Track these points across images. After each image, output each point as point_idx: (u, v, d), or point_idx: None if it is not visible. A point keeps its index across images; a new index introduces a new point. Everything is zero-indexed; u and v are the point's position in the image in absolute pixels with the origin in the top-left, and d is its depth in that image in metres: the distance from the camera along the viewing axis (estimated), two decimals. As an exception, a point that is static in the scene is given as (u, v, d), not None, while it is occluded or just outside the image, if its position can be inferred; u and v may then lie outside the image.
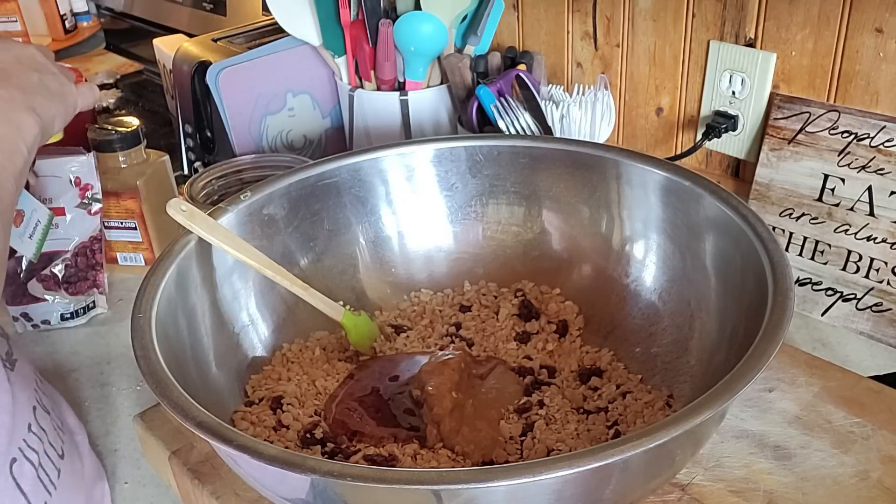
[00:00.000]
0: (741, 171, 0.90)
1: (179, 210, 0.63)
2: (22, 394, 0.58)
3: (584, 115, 0.86)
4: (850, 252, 0.78)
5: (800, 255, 0.81)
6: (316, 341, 0.73)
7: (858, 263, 0.77)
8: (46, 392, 0.65)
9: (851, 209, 0.77)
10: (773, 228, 0.83)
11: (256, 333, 0.70)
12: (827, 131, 0.78)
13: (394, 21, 0.95)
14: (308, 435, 0.62)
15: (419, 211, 0.79)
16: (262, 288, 0.71)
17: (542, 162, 0.76)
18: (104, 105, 1.44)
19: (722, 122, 0.86)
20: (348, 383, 0.68)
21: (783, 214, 0.82)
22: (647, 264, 0.72)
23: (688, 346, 0.66)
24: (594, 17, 0.96)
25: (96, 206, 0.85)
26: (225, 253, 0.66)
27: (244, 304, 0.70)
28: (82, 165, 0.84)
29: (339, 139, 1.12)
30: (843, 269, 0.78)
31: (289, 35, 1.01)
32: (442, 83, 1.00)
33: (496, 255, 0.80)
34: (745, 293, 0.59)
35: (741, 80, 0.84)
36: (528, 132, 0.86)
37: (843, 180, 0.77)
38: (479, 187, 0.79)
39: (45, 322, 0.87)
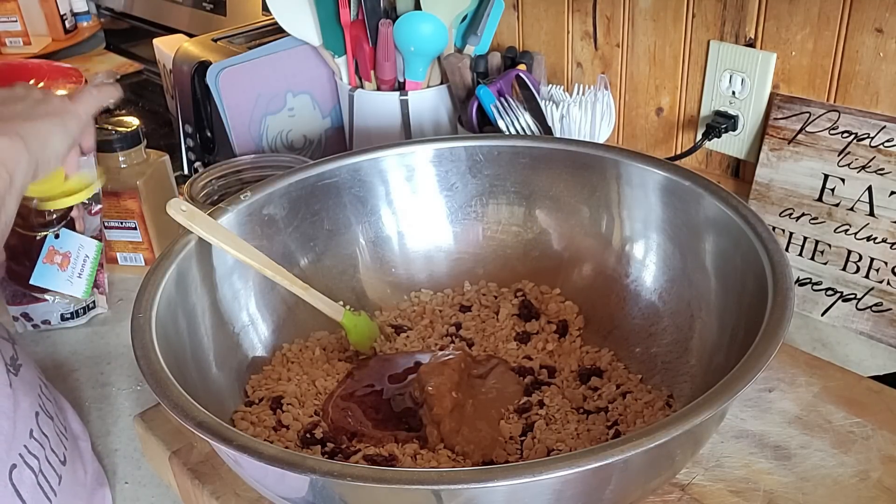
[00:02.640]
0: (741, 171, 0.90)
1: (179, 210, 0.63)
2: (25, 399, 0.57)
3: (584, 115, 0.86)
4: (850, 252, 0.78)
5: (800, 255, 0.81)
6: (316, 341, 0.73)
7: (858, 263, 0.77)
8: (51, 397, 0.64)
9: (851, 209, 0.77)
10: (773, 228, 0.83)
11: (256, 333, 0.70)
12: (827, 131, 0.78)
13: (394, 21, 0.95)
14: (308, 435, 0.62)
15: (419, 211, 0.79)
16: (262, 288, 0.71)
17: (542, 162, 0.76)
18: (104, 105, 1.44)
19: (722, 122, 0.86)
20: (347, 382, 0.68)
21: (783, 214, 0.82)
22: (647, 264, 0.72)
23: (688, 346, 0.66)
24: (594, 17, 0.96)
25: (96, 206, 0.85)
26: (225, 253, 0.66)
27: (244, 304, 0.70)
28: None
29: (339, 139, 1.12)
30: (843, 269, 0.78)
31: (289, 35, 1.01)
32: (442, 83, 1.00)
33: (496, 255, 0.80)
34: (745, 293, 0.59)
35: (741, 80, 0.84)
36: (528, 132, 0.86)
37: (843, 180, 0.77)
38: (479, 187, 0.79)
39: (46, 322, 0.87)
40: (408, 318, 0.77)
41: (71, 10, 1.72)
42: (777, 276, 0.55)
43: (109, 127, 0.90)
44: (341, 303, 0.71)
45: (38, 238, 0.77)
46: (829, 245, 0.79)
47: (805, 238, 0.81)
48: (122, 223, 0.92)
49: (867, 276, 0.77)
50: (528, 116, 0.86)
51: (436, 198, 0.79)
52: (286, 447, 0.59)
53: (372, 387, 0.68)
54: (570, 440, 0.62)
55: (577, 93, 0.89)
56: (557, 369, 0.70)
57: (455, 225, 0.80)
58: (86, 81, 1.08)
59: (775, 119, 0.82)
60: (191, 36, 1.18)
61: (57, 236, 0.77)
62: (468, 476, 0.43)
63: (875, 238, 0.76)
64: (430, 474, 0.43)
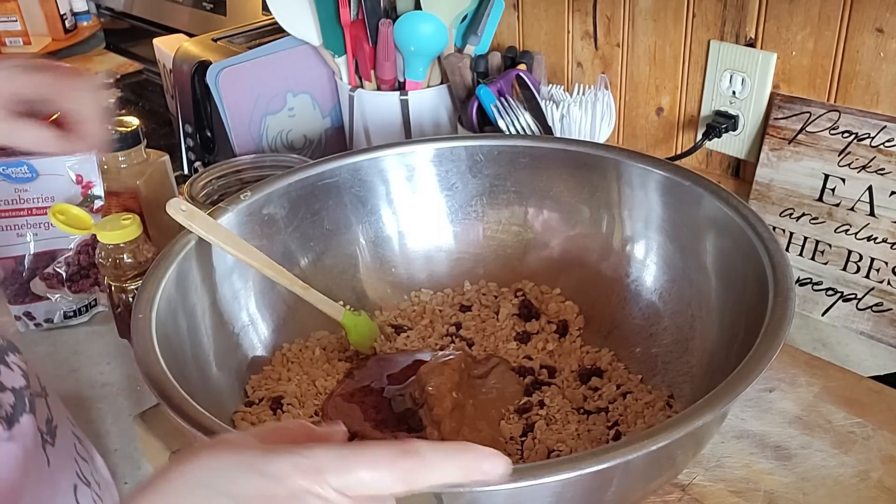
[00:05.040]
0: (741, 171, 0.90)
1: (179, 210, 0.63)
2: (63, 476, 0.52)
3: (585, 115, 0.86)
4: (850, 252, 0.78)
5: (800, 255, 0.81)
6: (316, 341, 0.73)
7: (859, 263, 0.77)
8: (86, 455, 0.59)
9: (852, 209, 0.77)
10: (774, 228, 0.83)
11: (256, 333, 0.70)
12: (827, 131, 0.78)
13: (394, 21, 0.95)
14: None
15: (419, 211, 0.79)
16: (262, 288, 0.71)
17: (542, 162, 0.76)
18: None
19: (722, 122, 0.86)
20: (346, 382, 0.68)
21: (783, 214, 0.82)
22: (647, 264, 0.72)
23: (688, 346, 0.66)
24: (594, 17, 0.96)
25: (98, 204, 0.85)
26: (224, 253, 0.66)
27: (244, 304, 0.70)
28: (83, 163, 0.83)
29: (339, 139, 1.11)
30: (844, 269, 0.78)
31: (289, 35, 1.01)
32: (442, 83, 1.00)
33: (496, 255, 0.80)
34: (746, 293, 0.59)
35: (741, 79, 0.84)
36: (529, 132, 0.86)
37: (843, 180, 0.77)
38: (479, 187, 0.79)
39: (48, 321, 0.87)
40: (408, 317, 0.77)
41: (71, 10, 1.72)
42: (778, 276, 0.55)
43: (110, 127, 0.90)
44: (341, 302, 0.71)
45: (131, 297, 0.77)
46: (830, 245, 0.79)
47: (805, 238, 0.81)
48: (122, 223, 0.91)
49: (867, 276, 0.77)
50: (528, 116, 0.86)
51: (436, 197, 0.79)
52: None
53: (371, 387, 0.68)
54: (570, 441, 0.62)
55: (578, 93, 0.89)
56: (557, 369, 0.70)
57: (455, 225, 0.80)
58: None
59: (776, 119, 0.81)
60: (191, 36, 1.18)
61: None
62: None
63: (875, 238, 0.76)
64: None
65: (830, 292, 0.79)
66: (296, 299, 0.69)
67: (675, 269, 0.70)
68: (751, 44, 0.83)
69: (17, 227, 0.84)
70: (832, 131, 0.77)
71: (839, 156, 0.77)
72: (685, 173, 0.68)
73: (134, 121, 0.92)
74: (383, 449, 0.36)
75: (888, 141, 0.74)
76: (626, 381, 0.68)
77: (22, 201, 0.83)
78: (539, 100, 0.87)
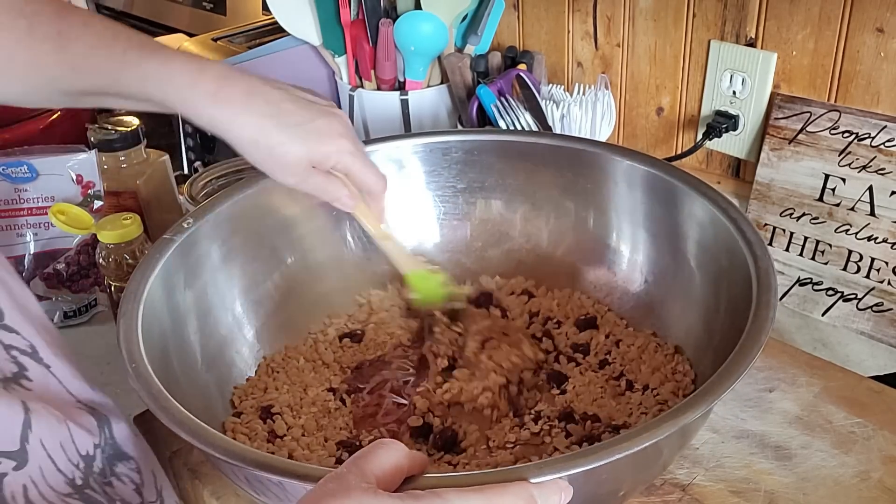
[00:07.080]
0: (742, 170, 0.90)
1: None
2: None
3: (585, 115, 0.86)
4: (850, 252, 0.78)
5: (800, 255, 0.81)
6: (294, 350, 0.71)
7: (859, 263, 0.77)
8: None
9: (852, 209, 0.77)
10: (774, 228, 0.83)
11: (242, 334, 0.69)
12: (828, 131, 0.78)
13: (394, 20, 0.95)
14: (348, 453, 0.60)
15: (406, 208, 0.78)
16: (247, 287, 0.70)
17: (473, 155, 0.76)
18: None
19: (722, 122, 0.86)
20: (363, 398, 0.66)
21: (784, 214, 0.82)
22: (631, 259, 0.72)
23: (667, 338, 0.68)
24: (595, 17, 0.96)
25: (98, 204, 0.85)
26: (208, 255, 0.66)
27: (229, 305, 0.69)
28: (83, 163, 0.83)
29: (339, 139, 1.11)
30: (844, 269, 0.78)
31: (289, 35, 1.01)
32: (442, 83, 1.00)
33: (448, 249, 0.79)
34: (731, 288, 0.59)
35: (742, 79, 0.84)
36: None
37: (843, 180, 0.77)
38: (423, 184, 0.78)
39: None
40: (359, 322, 0.75)
41: (71, 10, 1.71)
42: (761, 276, 0.55)
43: (109, 126, 0.90)
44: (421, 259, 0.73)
45: None
46: (830, 245, 0.79)
47: (806, 238, 0.81)
48: (122, 223, 0.91)
49: (868, 276, 0.77)
50: (528, 116, 0.86)
51: (422, 194, 0.79)
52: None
53: (383, 398, 0.66)
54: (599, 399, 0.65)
55: (578, 92, 0.89)
56: (560, 321, 0.73)
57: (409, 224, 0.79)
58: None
59: (776, 119, 0.81)
60: (191, 36, 1.18)
61: None
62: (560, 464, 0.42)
63: (876, 238, 0.76)
64: (529, 468, 0.42)
65: (831, 292, 0.79)
66: (277, 303, 0.70)
67: (659, 265, 0.70)
68: (751, 43, 0.83)
69: (17, 227, 0.84)
70: (832, 131, 0.77)
71: (839, 156, 0.77)
72: (669, 169, 0.68)
73: (134, 120, 0.92)
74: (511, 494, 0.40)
75: (888, 141, 0.74)
76: (614, 327, 0.71)
77: (22, 201, 0.83)
78: (539, 100, 0.87)
